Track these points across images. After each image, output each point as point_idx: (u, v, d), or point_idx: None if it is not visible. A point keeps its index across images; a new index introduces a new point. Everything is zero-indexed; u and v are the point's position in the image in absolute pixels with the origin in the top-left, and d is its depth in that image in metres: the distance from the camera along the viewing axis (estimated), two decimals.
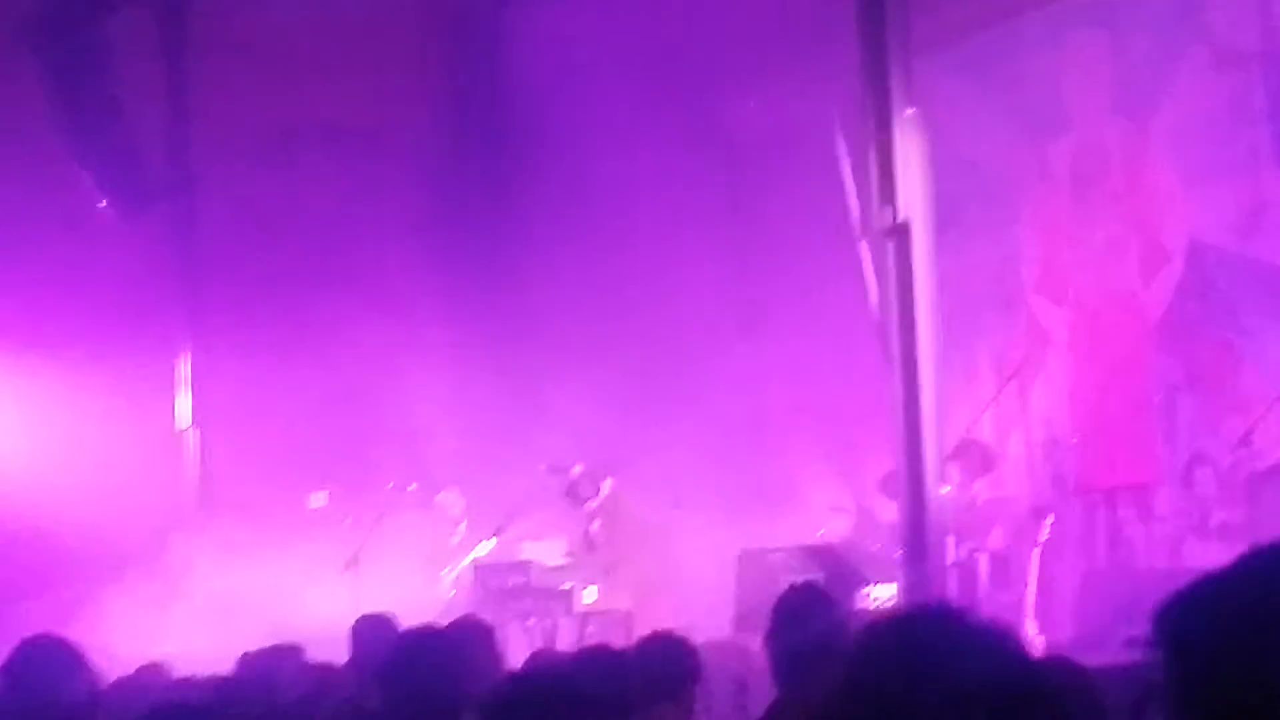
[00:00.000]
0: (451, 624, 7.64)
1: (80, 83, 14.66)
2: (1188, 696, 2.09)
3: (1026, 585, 10.78)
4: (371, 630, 7.74)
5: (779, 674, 6.60)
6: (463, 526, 13.56)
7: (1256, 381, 12.00)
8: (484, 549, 12.74)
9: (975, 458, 12.21)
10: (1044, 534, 10.98)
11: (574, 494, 12.59)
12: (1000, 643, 2.55)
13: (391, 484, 13.48)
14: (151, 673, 8.11)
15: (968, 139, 13.12)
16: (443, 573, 13.11)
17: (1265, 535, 10.34)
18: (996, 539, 11.79)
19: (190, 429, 14.93)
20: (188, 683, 7.74)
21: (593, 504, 12.54)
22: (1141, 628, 2.26)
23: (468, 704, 6.00)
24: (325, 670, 7.65)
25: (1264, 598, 2.08)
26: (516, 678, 6.39)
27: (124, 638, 10.81)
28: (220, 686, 7.41)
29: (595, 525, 12.42)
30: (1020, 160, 13.99)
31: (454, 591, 12.83)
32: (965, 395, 12.40)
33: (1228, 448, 11.76)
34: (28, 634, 5.85)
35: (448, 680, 5.93)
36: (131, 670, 7.84)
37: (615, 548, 12.21)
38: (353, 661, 7.69)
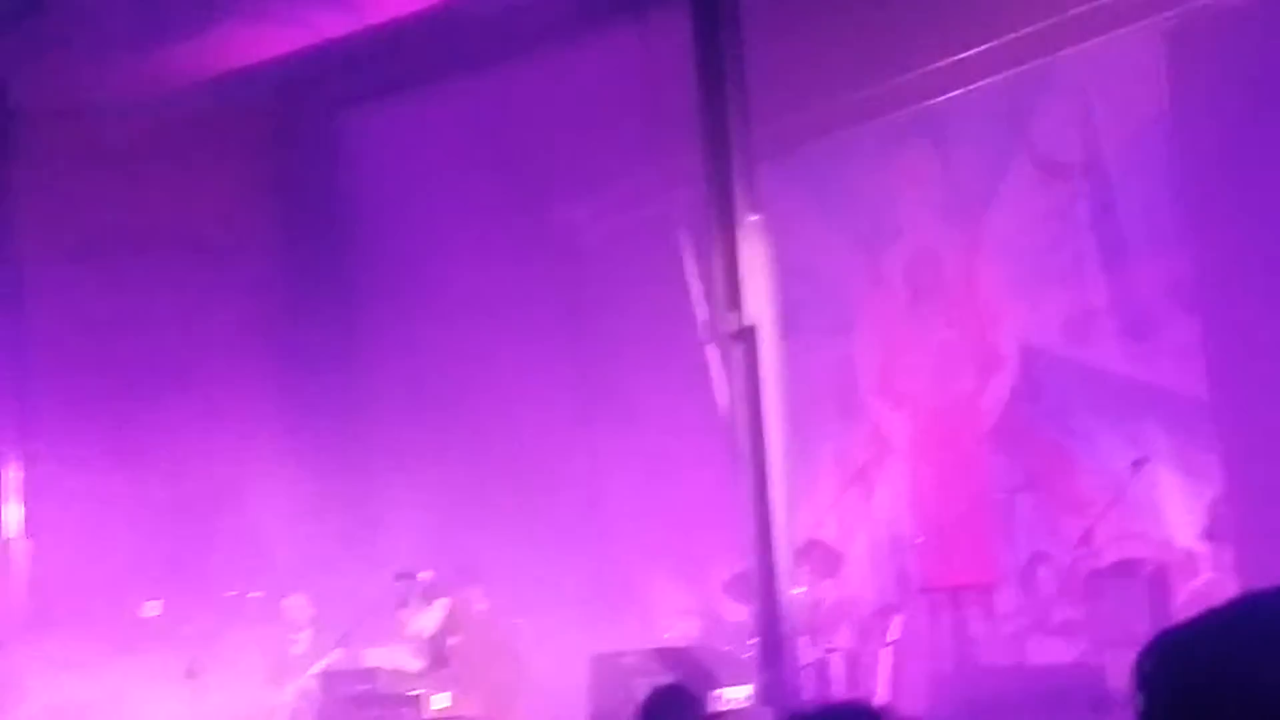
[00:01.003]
0: None
1: None
2: None
3: (877, 685, 10.88)
4: None
5: None
6: (307, 634, 13.34)
7: (1092, 482, 12.30)
8: (331, 658, 12.53)
9: (821, 558, 12.34)
10: (893, 633, 11.10)
11: (406, 575, 12.41)
12: None
13: (232, 592, 13.23)
14: None
15: (805, 246, 13.36)
16: (286, 682, 12.87)
17: (1106, 633, 10.61)
18: (845, 639, 11.91)
19: (20, 539, 14.53)
20: None
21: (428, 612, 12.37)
22: None
23: None
24: None
25: (1240, 638, 2.16)
26: None
27: None
28: None
29: (452, 641, 12.27)
30: (855, 268, 14.28)
31: (298, 702, 12.60)
32: (810, 497, 12.55)
33: (1067, 547, 12.02)
34: None
35: None
36: None
37: (465, 660, 12.08)
38: None
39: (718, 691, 10.24)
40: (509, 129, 14.84)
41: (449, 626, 12.23)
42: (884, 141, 14.05)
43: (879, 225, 14.16)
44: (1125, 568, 11.07)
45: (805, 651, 10.26)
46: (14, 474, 14.56)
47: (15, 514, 14.52)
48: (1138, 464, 11.57)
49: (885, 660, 11.13)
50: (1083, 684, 10.06)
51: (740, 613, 11.75)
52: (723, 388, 10.45)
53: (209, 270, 15.58)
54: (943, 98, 13.61)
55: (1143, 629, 10.39)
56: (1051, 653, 12.11)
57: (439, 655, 12.17)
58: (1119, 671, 10.09)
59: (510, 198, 15.08)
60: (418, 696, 11.74)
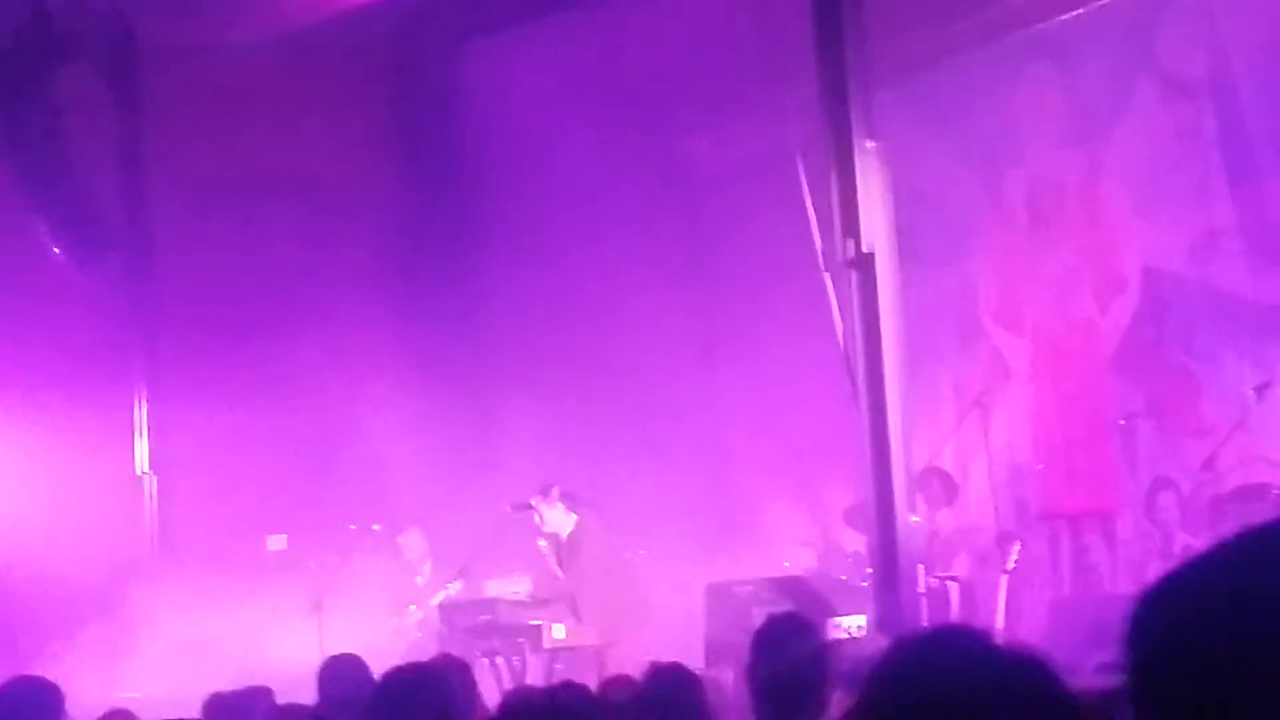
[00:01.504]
0: (432, 660, 7.61)
1: (32, 133, 14.59)
2: (1144, 689, 1.97)
3: (995, 613, 10.79)
4: (341, 671, 7.67)
5: (760, 703, 6.58)
6: (427, 567, 13.49)
7: (1216, 406, 12.08)
8: (451, 590, 12.66)
9: (939, 487, 12.24)
10: (1012, 561, 11.00)
11: (521, 506, 12.55)
12: (1030, 665, 2.52)
13: (354, 526, 13.40)
14: (119, 718, 8.03)
15: (923, 172, 13.16)
16: (407, 613, 13.02)
17: None
18: (963, 567, 11.82)
19: (149, 474, 14.81)
20: None
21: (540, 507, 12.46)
22: (1111, 653, 2.21)
23: None
24: (296, 711, 7.59)
25: (1232, 586, 1.93)
26: (506, 711, 6.38)
27: (86, 684, 10.66)
28: None
29: (548, 545, 12.35)
30: (975, 193, 14.09)
31: (419, 632, 12.75)
32: (928, 425, 12.43)
33: (1190, 472, 11.83)
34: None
35: (433, 716, 5.89)
36: (96, 717, 7.72)
37: (578, 576, 12.17)
38: (322, 702, 7.61)
39: (834, 620, 10.20)
40: (629, 60, 14.77)
41: (572, 539, 12.26)
42: (1004, 64, 13.81)
43: (999, 149, 13.94)
44: (1250, 493, 10.86)
45: (923, 580, 10.18)
46: (142, 410, 14.84)
47: (144, 450, 14.81)
48: (1262, 388, 11.33)
49: (1004, 588, 11.02)
50: None
51: (858, 542, 11.70)
52: (840, 316, 10.37)
53: (331, 208, 15.72)
54: (1064, 17, 13.35)
55: None
56: None
57: (559, 560, 12.24)
58: None
59: (630, 128, 15.04)
60: (538, 627, 11.82)
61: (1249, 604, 1.86)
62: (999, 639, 2.59)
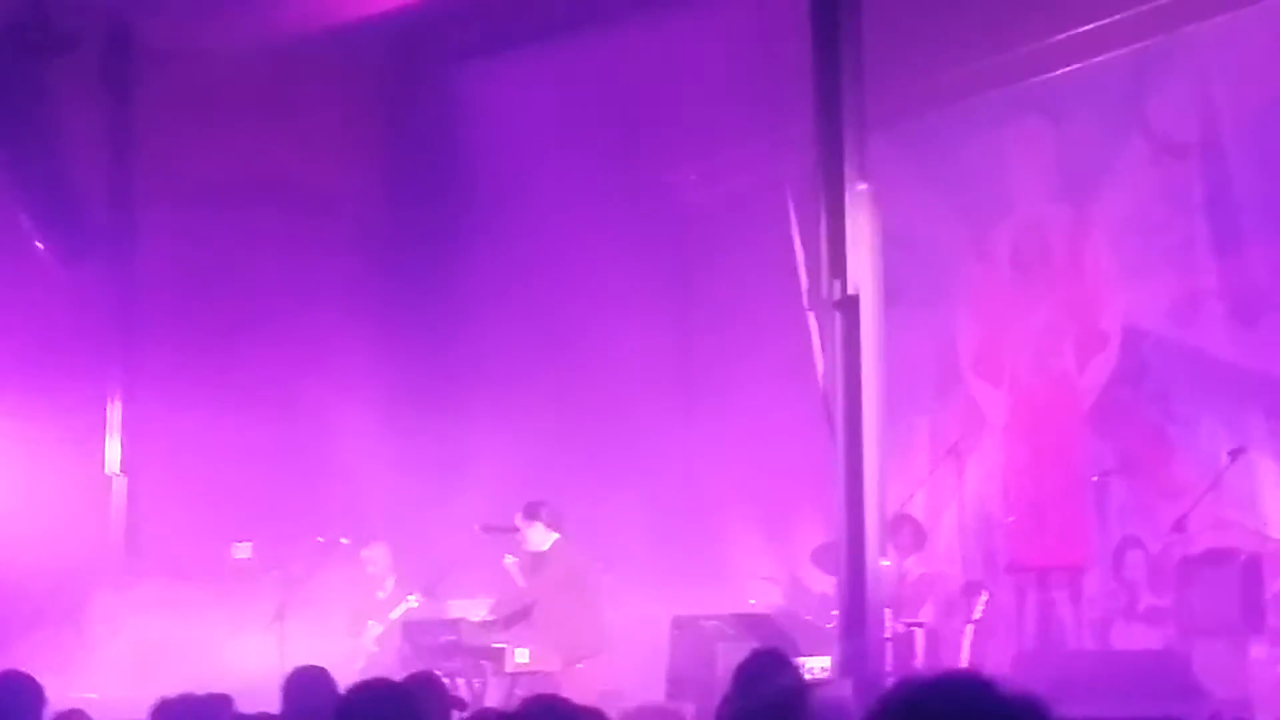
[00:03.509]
0: (406, 678, 7.59)
1: (20, 124, 14.55)
2: None
3: (959, 662, 10.80)
4: (307, 683, 7.64)
5: None
6: (390, 582, 13.45)
7: (1188, 468, 12.09)
8: (409, 605, 12.64)
9: (909, 532, 12.25)
10: (978, 611, 11.00)
11: (492, 528, 12.60)
12: (1036, 713, 2.55)
13: (321, 538, 13.36)
14: (74, 719, 7.98)
15: (910, 217, 13.18)
16: (366, 628, 12.99)
17: (1194, 621, 10.45)
18: (928, 614, 11.82)
19: (118, 475, 14.76)
20: None
21: (514, 537, 12.52)
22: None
23: None
24: None
25: None
26: None
27: (44, 683, 10.59)
28: None
29: (519, 561, 12.38)
30: (961, 241, 14.11)
31: (378, 648, 12.71)
32: (902, 470, 12.44)
33: (1159, 533, 11.84)
34: None
35: None
36: (51, 715, 7.67)
37: (541, 585, 12.19)
38: (287, 712, 7.57)
39: (798, 660, 10.19)
40: (623, 88, 14.80)
41: (545, 554, 12.29)
42: (997, 115, 13.85)
43: (988, 199, 13.97)
44: (1217, 556, 10.87)
45: (889, 624, 10.18)
46: (115, 411, 14.78)
47: (115, 450, 14.75)
48: (1236, 452, 11.36)
49: (968, 637, 11.03)
50: (1168, 672, 9.93)
51: (824, 583, 11.70)
52: (822, 356, 10.38)
53: (316, 219, 15.72)
54: (1060, 72, 13.40)
55: (1232, 619, 10.22)
56: (1137, 639, 11.96)
57: (527, 572, 12.29)
58: (1206, 660, 9.98)
59: (620, 156, 15.06)
60: (501, 649, 11.79)
61: None
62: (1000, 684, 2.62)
